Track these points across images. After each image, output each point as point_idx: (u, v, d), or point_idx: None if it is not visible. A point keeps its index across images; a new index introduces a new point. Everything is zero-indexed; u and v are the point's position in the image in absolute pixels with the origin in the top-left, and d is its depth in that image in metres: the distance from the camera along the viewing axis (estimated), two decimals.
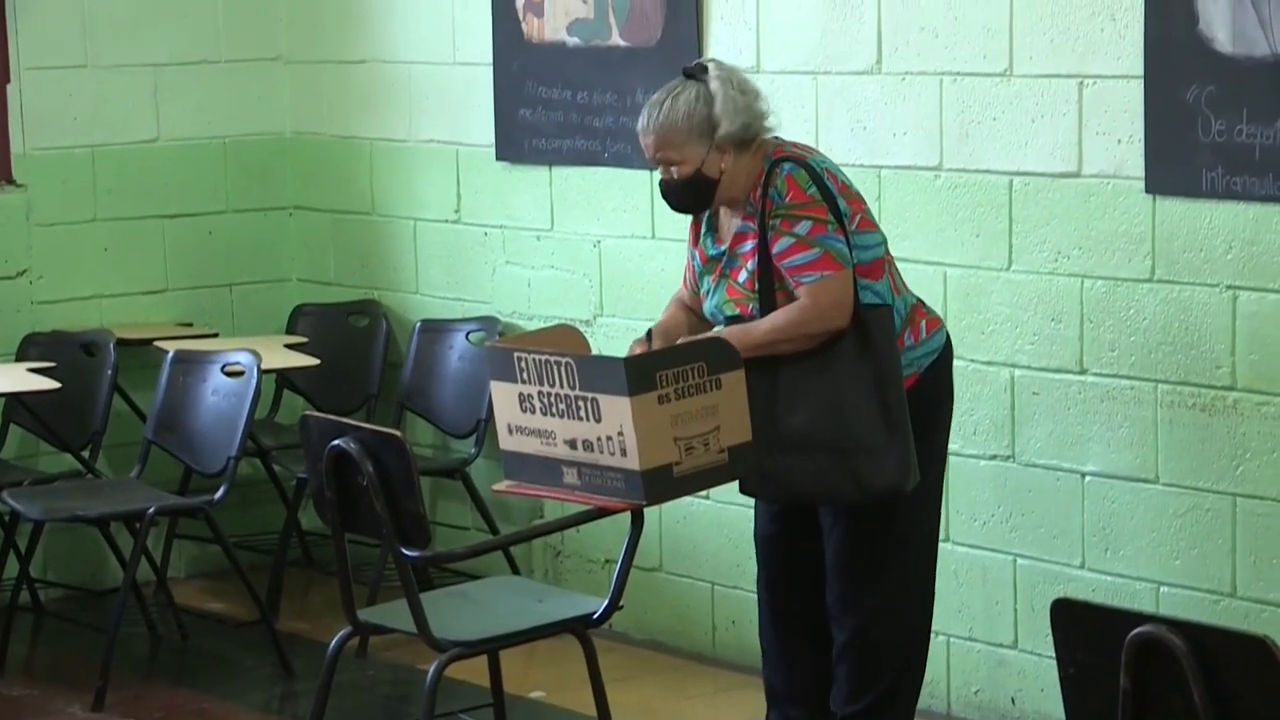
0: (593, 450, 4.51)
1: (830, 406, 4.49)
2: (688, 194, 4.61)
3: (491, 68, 6.48)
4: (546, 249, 6.42)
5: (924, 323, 4.66)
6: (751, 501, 5.42)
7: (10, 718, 5.60)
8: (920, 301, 4.70)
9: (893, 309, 4.58)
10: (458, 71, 6.62)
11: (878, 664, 4.69)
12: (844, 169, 5.21)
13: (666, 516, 5.98)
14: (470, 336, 6.57)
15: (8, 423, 6.58)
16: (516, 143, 6.46)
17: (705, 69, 4.59)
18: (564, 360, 4.53)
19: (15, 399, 6.39)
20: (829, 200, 4.50)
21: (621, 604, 4.70)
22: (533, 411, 4.64)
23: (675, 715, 5.59)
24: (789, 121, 5.61)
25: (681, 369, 4.49)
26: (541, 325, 6.17)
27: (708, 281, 4.67)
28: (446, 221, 6.75)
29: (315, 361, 6.57)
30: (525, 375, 4.60)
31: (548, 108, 6.34)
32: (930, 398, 4.66)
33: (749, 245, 4.55)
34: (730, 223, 4.63)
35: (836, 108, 5.58)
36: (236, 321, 7.04)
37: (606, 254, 6.26)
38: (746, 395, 4.56)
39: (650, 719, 5.53)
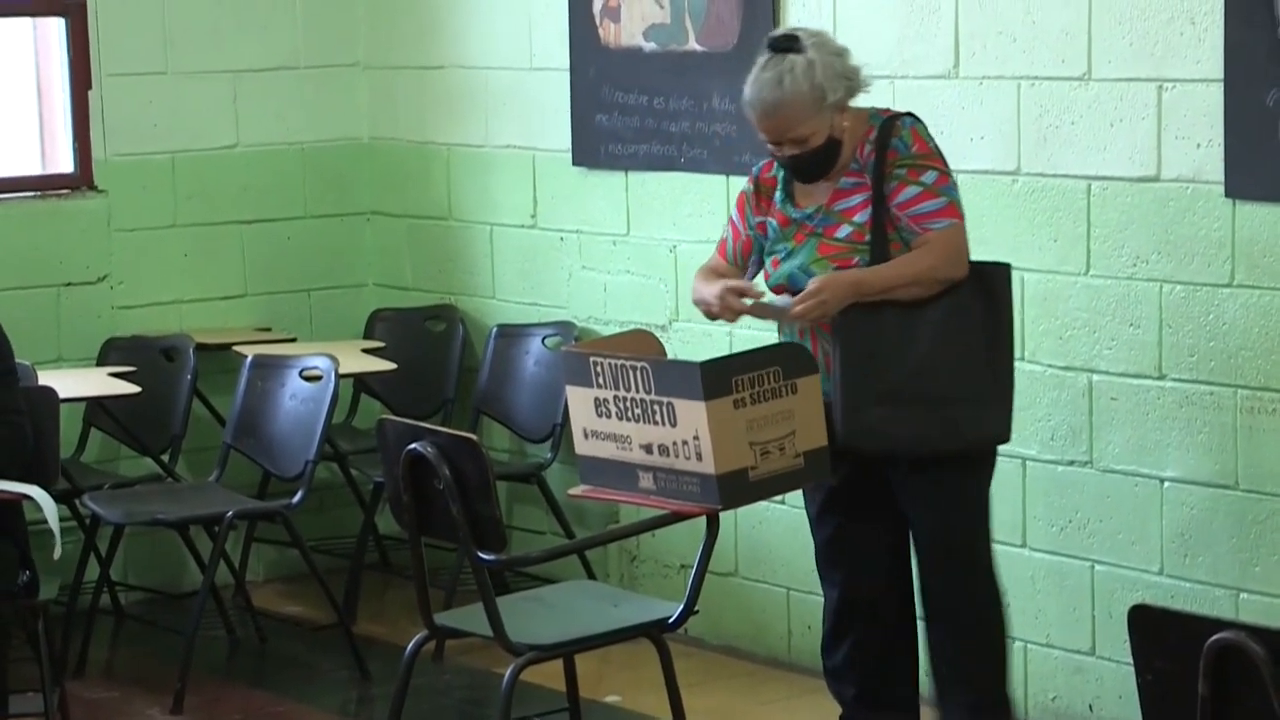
0: (668, 455, 4.51)
1: (949, 357, 4.57)
2: (821, 163, 4.64)
3: (569, 73, 6.49)
4: (622, 254, 6.42)
5: None
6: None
7: (92, 717, 5.64)
8: None
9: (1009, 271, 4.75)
10: (535, 77, 6.63)
11: (989, 651, 4.81)
12: None
13: (742, 521, 5.97)
14: (546, 341, 6.58)
15: (89, 427, 6.62)
16: (593, 148, 6.46)
17: (796, 39, 4.61)
18: (640, 365, 4.53)
19: (96, 403, 6.44)
20: (942, 156, 4.66)
21: (697, 609, 4.70)
22: (608, 416, 4.64)
23: (749, 718, 5.58)
24: None
25: (757, 374, 4.48)
26: (617, 330, 6.16)
27: (785, 246, 4.69)
28: (523, 226, 6.76)
29: (392, 366, 6.60)
30: (601, 380, 4.60)
31: (624, 113, 6.34)
32: None
33: (856, 200, 4.62)
34: (820, 184, 4.67)
35: (914, 110, 5.54)
36: (314, 326, 7.07)
37: (682, 259, 6.25)
38: (822, 400, 4.56)
39: None
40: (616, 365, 4.57)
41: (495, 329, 6.75)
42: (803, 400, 4.52)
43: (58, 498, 5.10)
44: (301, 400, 6.12)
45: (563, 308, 6.63)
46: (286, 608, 6.72)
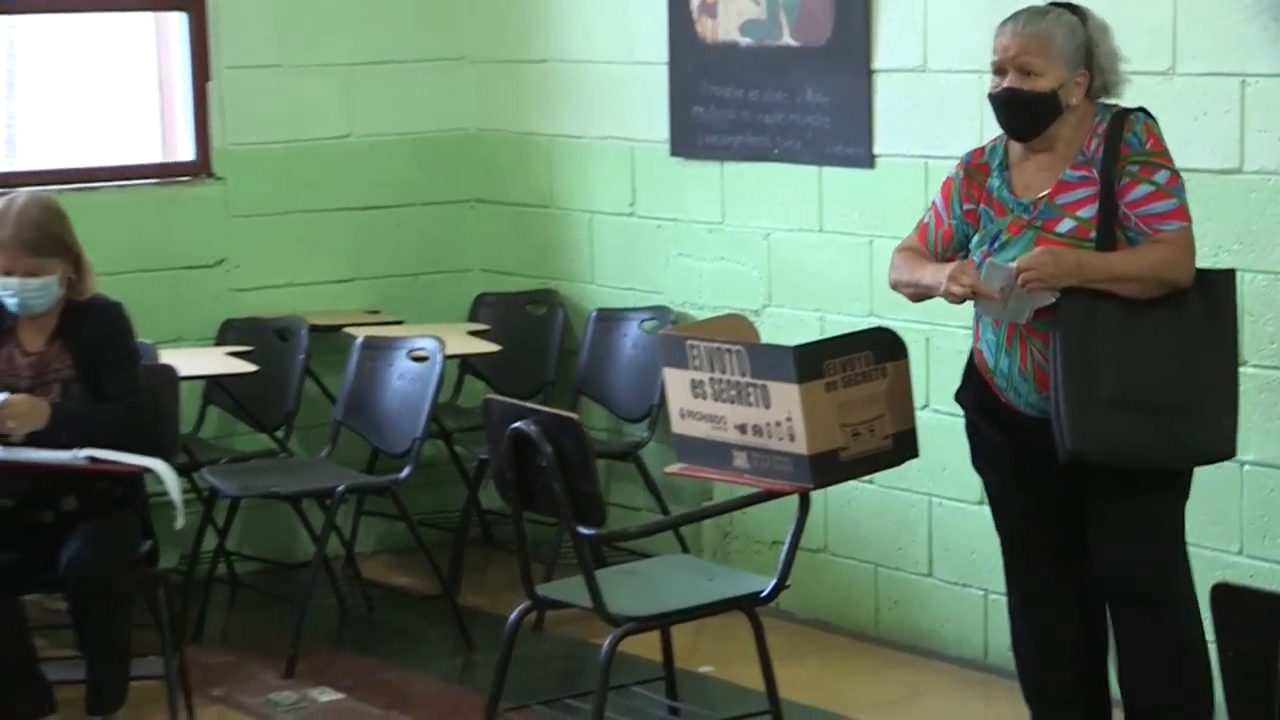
0: (762, 435, 4.50)
1: (1176, 363, 4.25)
2: (1033, 111, 4.30)
3: (667, 67, 6.48)
4: (717, 241, 6.41)
5: None
6: (911, 484, 5.41)
7: (207, 684, 5.68)
8: None
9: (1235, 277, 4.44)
10: (634, 70, 6.63)
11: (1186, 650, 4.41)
12: None
13: (832, 500, 5.96)
14: (644, 325, 6.58)
15: (207, 404, 6.68)
16: (689, 139, 6.46)
17: (1081, 10, 4.36)
18: (735, 348, 4.52)
19: (215, 381, 6.49)
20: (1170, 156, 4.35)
21: (789, 583, 4.70)
22: (704, 397, 4.64)
23: (838, 692, 5.56)
24: (955, 118, 5.59)
25: (849, 358, 4.47)
26: (712, 315, 6.16)
27: (999, 235, 4.36)
28: (621, 215, 6.76)
29: (496, 348, 6.62)
30: (697, 362, 4.60)
31: (720, 105, 6.33)
32: None
33: (1081, 194, 4.29)
34: (1040, 174, 4.35)
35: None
36: (421, 309, 7.09)
37: (775, 246, 6.24)
38: (911, 383, 4.54)
39: (815, 694, 5.51)
40: (712, 348, 4.57)
41: (594, 313, 6.76)
42: (892, 384, 4.51)
43: (177, 471, 5.13)
44: (409, 380, 6.15)
45: (659, 293, 6.62)
46: (394, 579, 6.76)
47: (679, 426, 4.68)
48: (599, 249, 6.86)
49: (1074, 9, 4.35)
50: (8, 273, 4.95)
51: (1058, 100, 4.28)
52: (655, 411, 6.37)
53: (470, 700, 5.47)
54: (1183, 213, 4.28)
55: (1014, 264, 4.21)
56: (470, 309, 7.11)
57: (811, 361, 4.41)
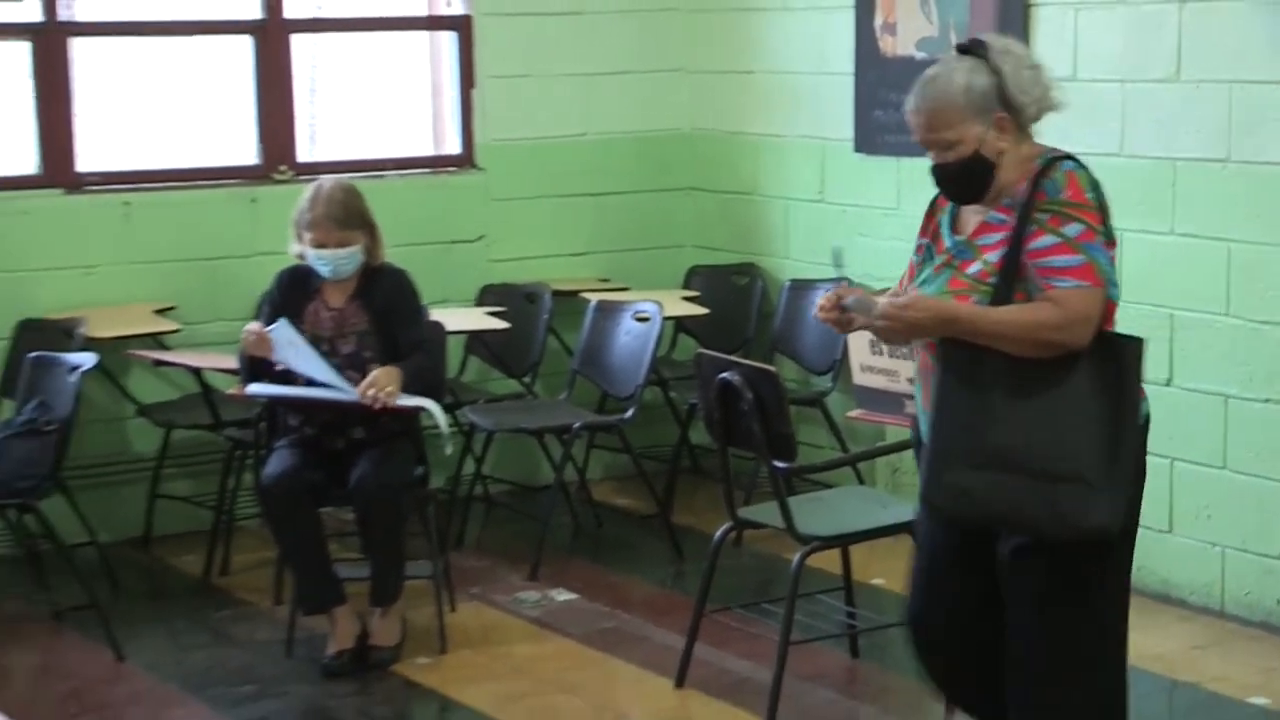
0: None
1: (1061, 428, 3.27)
2: (965, 178, 3.40)
3: (853, 77, 6.41)
4: (892, 223, 6.34)
5: None
6: None
7: (466, 583, 5.74)
8: None
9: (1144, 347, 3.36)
10: (825, 80, 6.56)
11: None
12: (1144, 160, 5.04)
13: None
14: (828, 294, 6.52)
15: (468, 354, 6.74)
16: (871, 138, 6.39)
17: (983, 44, 3.42)
18: None
19: (474, 336, 6.56)
20: (1103, 211, 3.36)
21: None
22: (881, 354, 4.61)
23: None
24: (1099, 121, 5.47)
25: None
26: (888, 286, 6.09)
27: (928, 270, 3.48)
28: (812, 201, 6.71)
29: (705, 311, 6.61)
30: None
31: (897, 109, 6.18)
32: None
33: (995, 237, 3.36)
34: (974, 215, 3.44)
35: (1139, 109, 5.40)
36: (644, 278, 7.09)
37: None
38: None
39: None
40: None
41: (788, 283, 6.71)
42: None
43: (444, 409, 5.19)
44: (633, 336, 6.16)
45: (842, 265, 6.56)
46: (618, 500, 6.79)
47: (859, 379, 4.67)
48: (792, 229, 6.82)
49: (971, 48, 3.44)
50: (320, 245, 5.03)
51: (984, 159, 3.37)
52: (837, 366, 6.32)
53: (680, 602, 5.48)
54: (1087, 271, 3.29)
55: (878, 308, 3.39)
56: (684, 278, 7.10)
57: None
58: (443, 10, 6.85)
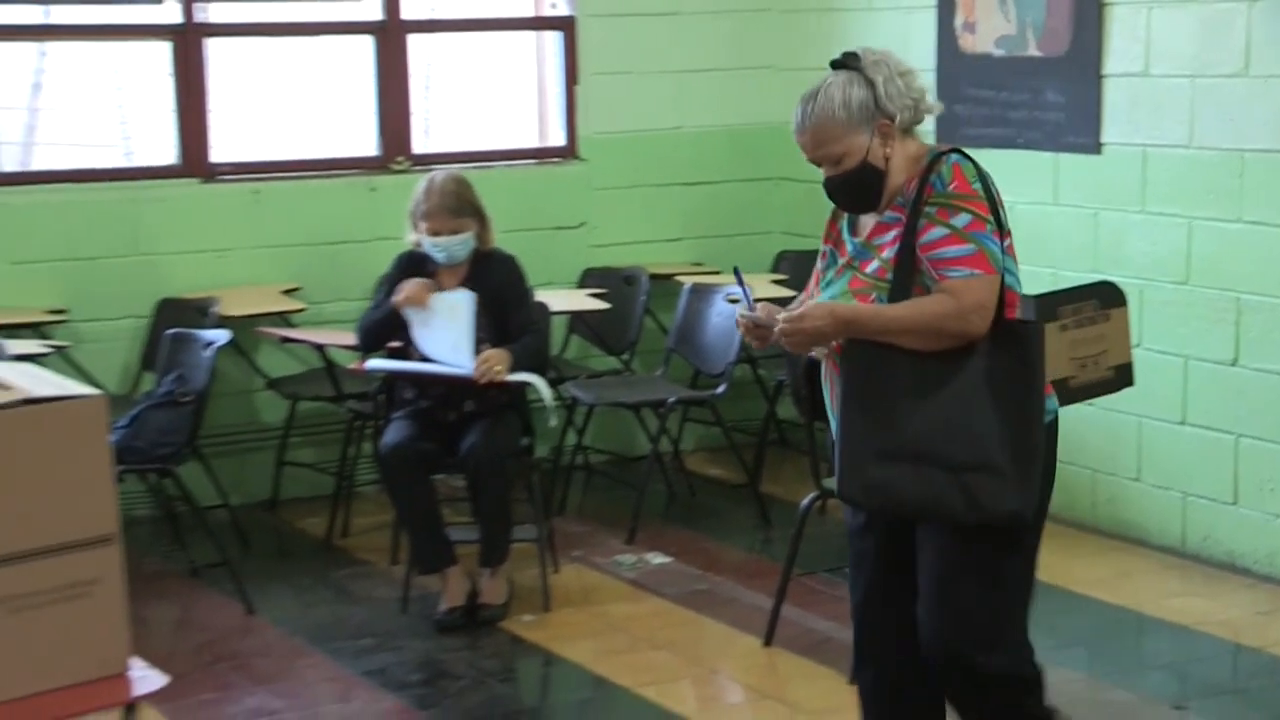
0: None
1: (967, 417, 3.13)
2: (856, 189, 3.26)
3: (935, 73, 6.36)
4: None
5: None
6: (1122, 407, 5.27)
7: (568, 546, 5.78)
8: None
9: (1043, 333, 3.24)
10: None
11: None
12: (1212, 152, 4.95)
13: (1060, 418, 5.83)
14: None
15: (570, 333, 6.78)
16: (951, 130, 6.33)
17: (856, 56, 3.28)
18: None
19: (577, 316, 6.59)
20: (991, 201, 3.18)
21: None
22: None
23: (1063, 570, 5.46)
24: (1169, 113, 5.41)
25: (1078, 305, 4.38)
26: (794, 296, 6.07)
27: (830, 274, 3.35)
28: None
29: (794, 294, 6.57)
30: None
31: (976, 104, 6.21)
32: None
33: (890, 235, 3.21)
34: (871, 216, 3.29)
35: (1208, 103, 5.33)
36: (735, 262, 7.03)
37: (1017, 216, 6.00)
38: (1129, 325, 4.43)
39: (1043, 572, 5.37)
40: None
41: None
42: (1113, 326, 4.41)
43: (549, 384, 5.22)
44: (725, 317, 6.16)
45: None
46: (709, 470, 6.80)
47: None
48: None
49: (845, 61, 3.31)
50: (435, 233, 5.07)
51: (872, 166, 3.22)
52: None
53: (767, 566, 5.50)
54: (979, 260, 3.12)
55: (777, 320, 3.26)
56: (772, 262, 7.09)
57: (1048, 307, 4.33)
58: (548, 12, 6.89)
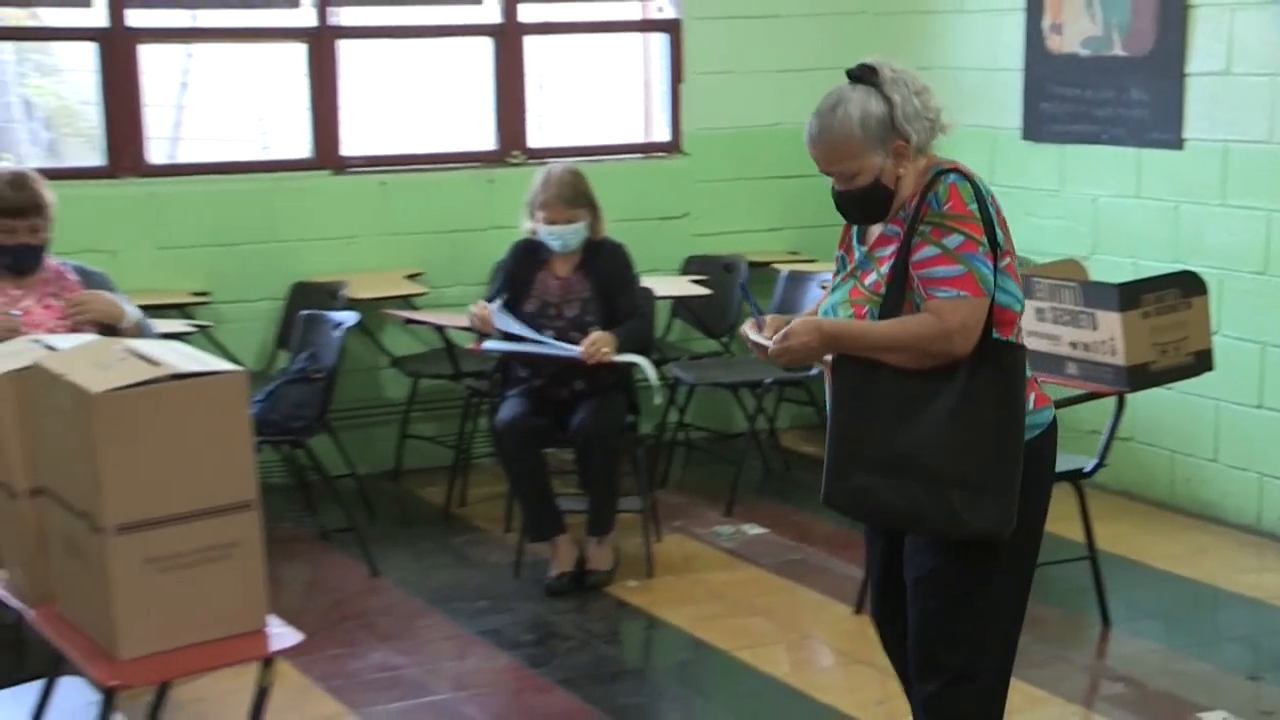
0: (1089, 350, 4.39)
1: (948, 433, 3.00)
2: (866, 205, 3.12)
3: (1022, 73, 6.29)
4: (1056, 204, 6.22)
5: (1033, 396, 3.13)
6: (1201, 390, 5.19)
7: (670, 517, 5.79)
8: (1034, 376, 3.19)
9: (1025, 355, 3.10)
10: (996, 75, 6.44)
11: None
12: None
13: (1140, 400, 5.75)
14: None
15: (673, 317, 6.76)
16: (1037, 127, 6.27)
17: (875, 71, 3.12)
18: (1071, 284, 4.41)
19: (679, 300, 6.57)
20: (987, 223, 3.01)
21: (1106, 463, 4.57)
22: (1045, 320, 4.54)
23: (1141, 544, 5.40)
24: (1250, 110, 5.31)
25: (1160, 293, 4.32)
26: (1050, 260, 5.98)
27: (837, 280, 3.23)
28: None
29: None
30: (1041, 294, 4.50)
31: (1062, 101, 6.13)
32: (1027, 473, 3.06)
33: (889, 249, 3.08)
34: (878, 227, 3.17)
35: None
36: (829, 251, 6.93)
37: (1101, 209, 6.02)
38: (1208, 313, 4.35)
39: (1122, 547, 5.35)
40: (1053, 284, 4.46)
41: None
42: (1194, 313, 4.35)
43: (653, 365, 5.22)
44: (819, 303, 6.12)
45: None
46: (803, 448, 6.77)
47: (1025, 341, 4.59)
48: None
49: (863, 74, 3.15)
50: (551, 222, 5.09)
51: (883, 186, 3.09)
52: None
53: (857, 539, 5.34)
54: (967, 281, 2.97)
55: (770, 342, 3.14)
56: None
57: (1131, 295, 4.28)
58: (655, 15, 6.88)
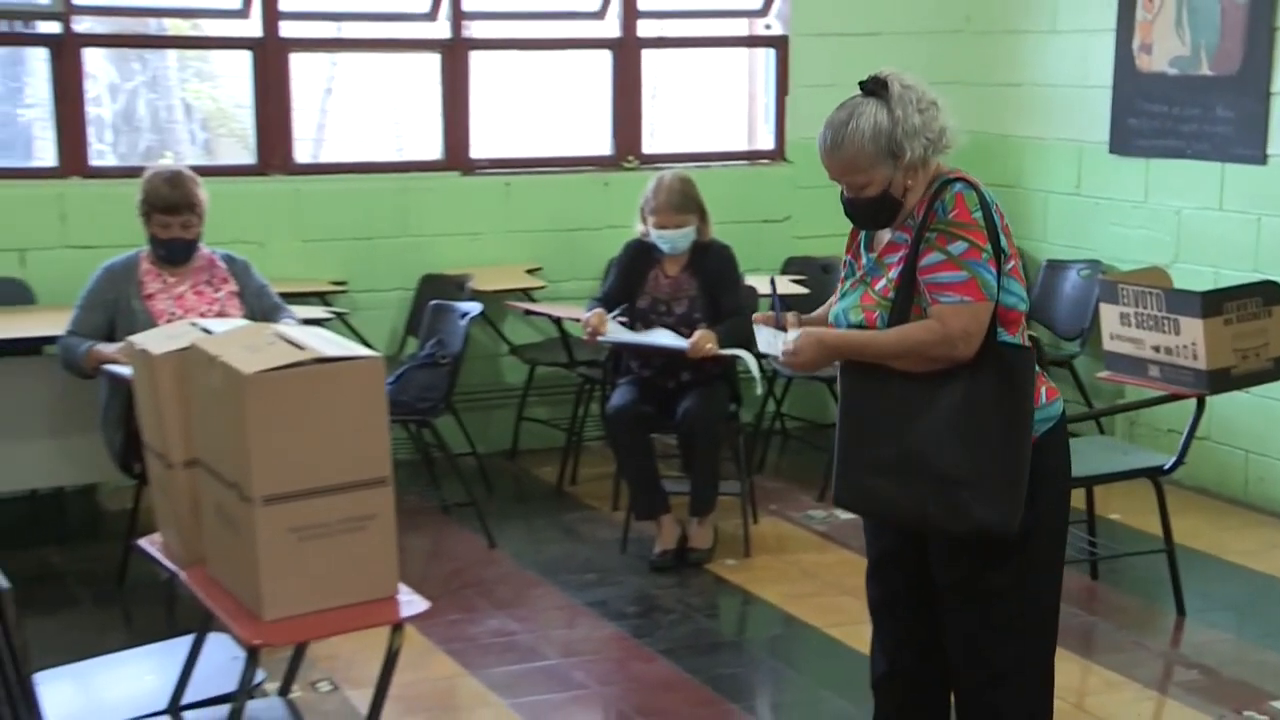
0: (1172, 354, 4.29)
1: (952, 433, 2.91)
2: (875, 213, 3.03)
3: (1110, 90, 6.16)
4: (1140, 215, 6.09)
5: (1044, 389, 3.03)
6: (1277, 394, 5.05)
7: (766, 501, 5.75)
8: (1042, 370, 3.06)
9: (1033, 354, 2.98)
10: (1086, 92, 6.32)
11: None
12: None
13: (1217, 401, 5.60)
14: (1080, 273, 6.30)
15: None
16: (1124, 141, 6.14)
17: (884, 84, 3.05)
18: (1155, 291, 4.31)
19: (779, 298, 6.50)
20: (991, 230, 2.94)
21: (1184, 461, 4.47)
22: (1129, 325, 4.45)
23: (1215, 539, 5.27)
24: None
25: (1242, 301, 4.21)
26: (1133, 268, 5.86)
27: (846, 285, 3.11)
28: (1069, 194, 6.48)
29: None
30: (1126, 300, 4.41)
31: (1149, 118, 5.99)
32: (1040, 467, 2.99)
33: (897, 256, 2.99)
34: (885, 233, 3.07)
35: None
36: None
37: (1184, 220, 5.89)
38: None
39: (1197, 541, 5.23)
40: (1138, 290, 4.37)
41: (1045, 262, 6.50)
42: (1275, 321, 4.24)
43: (754, 359, 5.19)
44: None
45: (1093, 250, 6.33)
46: None
47: (1109, 345, 4.50)
48: (1050, 218, 6.60)
49: (875, 88, 3.06)
50: (662, 226, 5.07)
51: (892, 196, 3.00)
52: (1086, 333, 6.12)
53: None
54: (971, 287, 2.89)
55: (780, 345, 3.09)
56: None
57: (1214, 302, 4.18)
58: (762, 31, 6.83)
